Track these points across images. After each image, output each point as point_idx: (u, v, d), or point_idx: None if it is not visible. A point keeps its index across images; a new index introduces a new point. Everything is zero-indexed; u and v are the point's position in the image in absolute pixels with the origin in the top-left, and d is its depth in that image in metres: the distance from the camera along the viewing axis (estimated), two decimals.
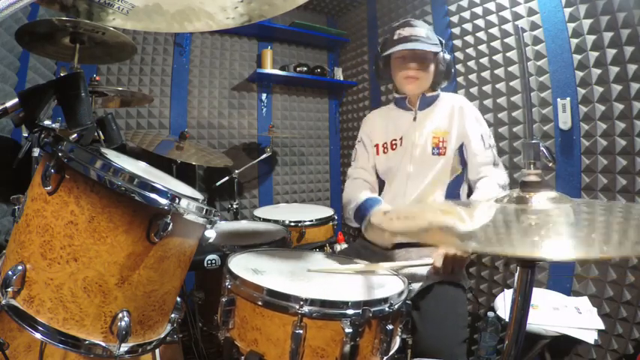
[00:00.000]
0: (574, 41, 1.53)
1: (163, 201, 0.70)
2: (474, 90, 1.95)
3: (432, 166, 1.39)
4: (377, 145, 1.51)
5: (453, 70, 1.47)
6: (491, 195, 1.26)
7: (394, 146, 1.47)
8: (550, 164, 1.58)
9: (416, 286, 1.16)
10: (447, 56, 1.42)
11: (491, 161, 1.36)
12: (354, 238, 2.79)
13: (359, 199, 1.40)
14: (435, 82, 1.44)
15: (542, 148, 0.66)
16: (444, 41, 1.44)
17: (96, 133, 0.85)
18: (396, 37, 1.38)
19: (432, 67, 1.40)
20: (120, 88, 1.74)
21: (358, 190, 1.45)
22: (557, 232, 0.55)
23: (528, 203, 0.62)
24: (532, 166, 0.65)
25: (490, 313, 1.49)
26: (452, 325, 1.10)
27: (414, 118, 1.45)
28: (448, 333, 1.08)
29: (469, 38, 1.97)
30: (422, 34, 1.36)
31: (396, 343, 0.90)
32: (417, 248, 1.34)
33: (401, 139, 1.46)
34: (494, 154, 1.37)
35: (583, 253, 0.46)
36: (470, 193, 1.43)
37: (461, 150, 1.40)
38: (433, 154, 1.38)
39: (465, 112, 1.40)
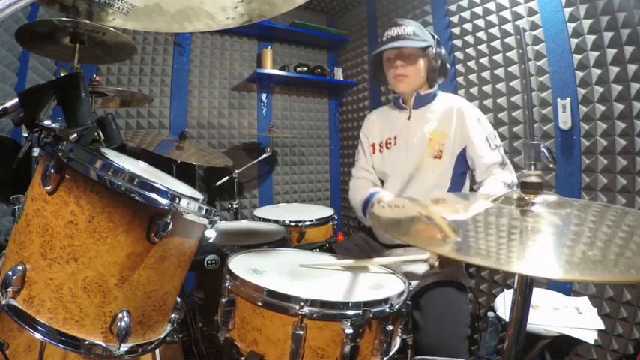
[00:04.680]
0: (574, 41, 1.53)
1: (163, 201, 0.70)
2: (474, 90, 1.95)
3: (428, 170, 1.35)
4: (373, 145, 1.51)
5: (448, 66, 1.43)
6: (496, 192, 1.26)
7: (388, 145, 1.46)
8: (550, 165, 1.59)
9: (413, 284, 1.16)
10: (442, 51, 1.38)
11: (499, 161, 1.32)
12: None
13: (364, 195, 1.38)
14: (429, 78, 1.41)
15: (542, 149, 0.66)
16: (436, 37, 1.41)
17: (96, 133, 0.85)
18: (384, 39, 1.38)
19: (420, 63, 1.37)
20: (120, 88, 1.74)
21: (362, 189, 1.45)
22: (549, 241, 0.54)
23: (528, 205, 0.62)
24: (532, 167, 0.65)
25: (490, 313, 1.49)
26: (453, 322, 1.10)
27: (409, 118, 1.43)
28: (450, 330, 1.08)
29: (469, 38, 1.97)
30: (408, 32, 1.34)
31: (397, 343, 0.90)
32: (415, 247, 1.34)
33: (395, 138, 1.44)
34: (501, 154, 1.34)
35: (574, 273, 0.45)
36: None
37: (463, 155, 1.36)
38: (429, 156, 1.35)
39: (465, 115, 1.35)
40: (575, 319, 1.29)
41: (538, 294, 1.46)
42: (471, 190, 1.43)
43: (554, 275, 0.44)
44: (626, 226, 0.57)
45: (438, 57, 1.37)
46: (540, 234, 0.56)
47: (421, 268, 1.21)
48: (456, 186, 1.38)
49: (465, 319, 1.14)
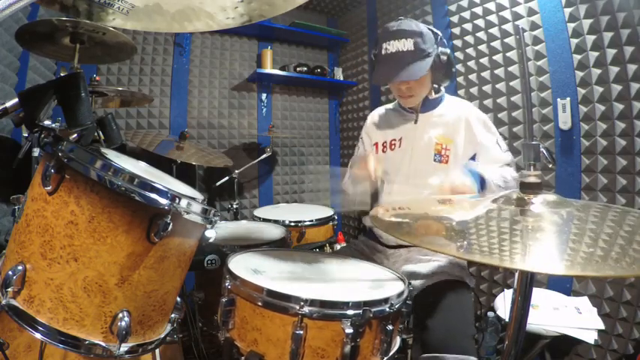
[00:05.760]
0: (574, 41, 1.53)
1: (163, 201, 0.70)
2: (474, 90, 1.95)
3: (433, 174, 1.33)
4: (376, 144, 1.50)
5: (453, 66, 1.35)
6: (496, 178, 1.23)
7: (393, 146, 1.44)
8: (550, 165, 1.58)
9: (418, 283, 1.16)
10: (445, 50, 1.29)
11: (508, 161, 1.32)
12: (355, 238, 2.79)
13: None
14: (436, 82, 1.37)
15: (542, 149, 0.66)
16: (435, 31, 1.31)
17: (96, 133, 0.85)
18: (383, 53, 1.28)
19: (425, 78, 1.30)
20: (120, 88, 1.74)
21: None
22: (550, 238, 0.54)
23: (527, 205, 0.62)
24: (532, 167, 0.65)
25: (490, 313, 1.49)
26: (460, 320, 1.09)
27: (416, 121, 1.42)
28: (457, 328, 1.07)
29: (469, 38, 1.97)
30: (409, 47, 1.23)
31: (396, 343, 0.90)
32: (418, 248, 1.34)
33: (400, 140, 1.43)
34: (510, 154, 1.34)
35: (576, 269, 0.46)
36: None
37: (472, 160, 1.35)
38: (435, 160, 1.34)
39: (474, 121, 1.34)
40: (575, 319, 1.29)
41: (538, 294, 1.46)
42: None
43: (557, 271, 0.44)
44: (628, 226, 0.57)
45: (442, 58, 1.29)
46: (541, 232, 0.56)
47: (425, 267, 1.21)
48: None
49: (470, 317, 1.14)
